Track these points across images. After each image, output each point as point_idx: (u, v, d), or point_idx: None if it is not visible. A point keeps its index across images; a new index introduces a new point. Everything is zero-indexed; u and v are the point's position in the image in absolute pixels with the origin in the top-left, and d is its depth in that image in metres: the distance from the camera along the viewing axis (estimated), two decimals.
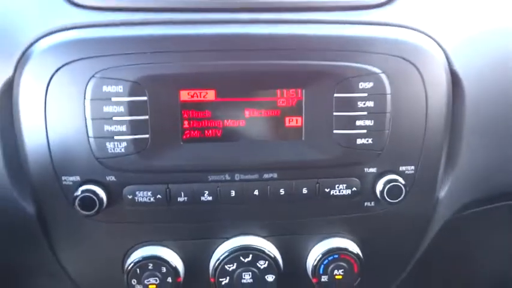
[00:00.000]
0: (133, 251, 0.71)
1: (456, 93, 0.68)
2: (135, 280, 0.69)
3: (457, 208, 0.75)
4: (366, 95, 0.65)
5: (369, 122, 0.66)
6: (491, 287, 0.96)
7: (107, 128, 0.63)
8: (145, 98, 0.63)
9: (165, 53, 0.63)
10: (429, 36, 0.68)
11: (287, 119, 0.67)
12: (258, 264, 0.70)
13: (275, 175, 0.68)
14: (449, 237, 0.77)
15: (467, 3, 0.72)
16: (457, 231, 0.79)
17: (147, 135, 0.64)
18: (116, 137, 0.63)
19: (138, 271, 0.69)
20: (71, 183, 0.65)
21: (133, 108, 0.63)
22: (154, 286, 0.69)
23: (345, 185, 0.69)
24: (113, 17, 0.65)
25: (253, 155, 0.67)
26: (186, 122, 0.66)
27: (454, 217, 0.76)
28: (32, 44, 0.63)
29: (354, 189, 0.69)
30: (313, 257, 0.72)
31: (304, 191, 0.68)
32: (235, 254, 0.70)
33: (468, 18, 0.71)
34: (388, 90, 0.65)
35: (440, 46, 0.67)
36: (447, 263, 0.90)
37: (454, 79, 0.68)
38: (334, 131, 0.66)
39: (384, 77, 0.65)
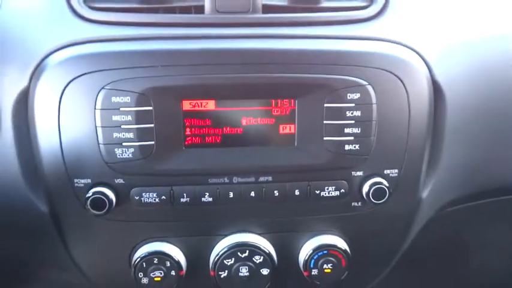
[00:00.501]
0: (140, 247, 0.73)
1: (438, 101, 0.70)
2: (141, 273, 0.71)
3: (439, 207, 0.77)
4: (353, 105, 0.67)
5: (356, 130, 0.68)
6: (477, 279, 0.98)
7: (115, 135, 0.65)
8: (150, 108, 0.65)
9: (170, 66, 0.64)
10: (413, 50, 0.70)
11: (281, 126, 0.69)
12: (254, 259, 0.72)
13: (270, 178, 0.70)
14: (433, 234, 0.79)
15: (448, 17, 0.74)
16: (441, 228, 0.81)
17: (152, 142, 0.66)
18: (124, 144, 0.65)
19: (144, 265, 0.71)
20: (82, 185, 0.67)
21: (139, 117, 0.64)
22: (159, 279, 0.71)
23: (334, 187, 0.71)
24: (121, 32, 0.67)
25: (250, 159, 0.69)
26: (188, 130, 0.68)
27: (436, 215, 0.77)
28: (46, 57, 0.65)
29: (342, 190, 0.71)
30: (304, 253, 0.74)
31: (297, 192, 0.70)
32: (234, 250, 0.72)
33: (449, 30, 0.73)
34: (374, 100, 0.67)
35: (423, 58, 0.69)
36: (432, 259, 0.92)
37: (436, 88, 0.70)
38: (325, 138, 0.68)
39: (370, 88, 0.67)
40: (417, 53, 0.69)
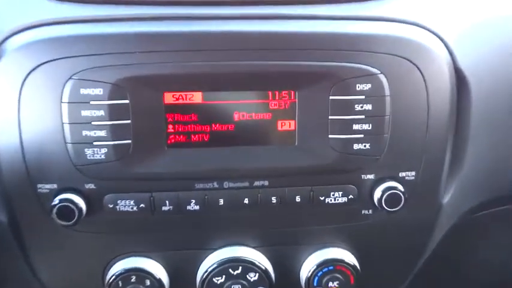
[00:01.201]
0: (115, 263, 0.70)
1: (461, 91, 0.67)
2: None
3: (462, 213, 0.74)
4: (363, 97, 0.64)
5: (366, 126, 0.65)
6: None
7: (85, 133, 0.62)
8: (126, 101, 0.62)
9: (149, 52, 0.61)
10: (430, 31, 0.66)
11: (279, 122, 0.66)
12: (248, 276, 0.70)
13: (266, 182, 0.67)
14: (453, 245, 0.77)
15: None
16: (462, 238, 0.78)
17: (128, 141, 0.63)
18: (95, 143, 0.62)
19: (120, 284, 0.68)
20: (47, 191, 0.64)
21: (113, 112, 0.61)
22: None
23: (340, 193, 0.68)
24: (91, 12, 0.64)
25: (243, 161, 0.66)
26: (170, 126, 0.65)
27: (458, 223, 0.75)
28: (3, 41, 0.61)
29: (351, 196, 0.68)
30: (306, 269, 0.72)
31: (298, 199, 0.67)
32: (224, 266, 0.69)
33: (469, 9, 0.69)
34: (387, 91, 0.64)
35: (444, 42, 0.66)
36: (451, 272, 0.88)
37: (459, 76, 0.66)
38: (330, 136, 0.65)
39: (382, 77, 0.64)
40: (437, 35, 0.66)
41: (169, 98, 0.64)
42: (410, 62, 0.64)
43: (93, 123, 0.62)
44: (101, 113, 0.61)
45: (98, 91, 0.61)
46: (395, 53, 0.64)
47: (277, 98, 0.66)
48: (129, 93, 0.62)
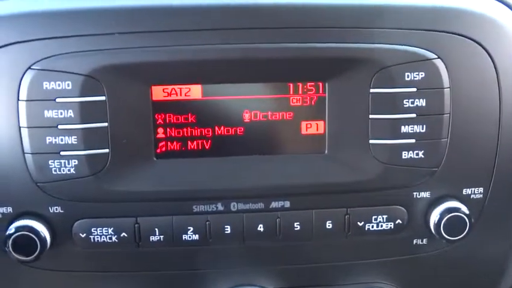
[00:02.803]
0: None
1: None
2: None
3: None
4: (414, 89, 0.60)
5: (419, 128, 0.61)
6: None
7: (50, 139, 0.58)
8: (103, 98, 0.58)
9: (131, 34, 0.58)
10: (503, 2, 0.63)
11: (304, 124, 0.62)
12: None
13: (287, 203, 0.63)
14: None
15: None
16: None
17: (106, 150, 0.59)
18: (62, 153, 0.58)
19: None
20: (0, 216, 0.61)
21: (86, 113, 0.58)
22: None
23: (385, 216, 0.64)
24: None
25: (256, 175, 0.62)
26: (160, 130, 0.61)
27: None
28: None
29: (398, 221, 0.64)
30: None
31: (329, 225, 0.63)
32: None
33: None
34: (446, 82, 0.60)
35: None
36: None
37: None
38: (371, 141, 0.61)
39: (439, 63, 0.60)
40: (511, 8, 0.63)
41: (158, 93, 0.60)
42: (476, 42, 0.61)
43: (59, 127, 0.58)
44: (70, 113, 0.58)
45: (66, 85, 0.57)
46: (456, 31, 0.60)
47: (300, 92, 0.62)
48: (106, 88, 0.58)
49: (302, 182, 0.63)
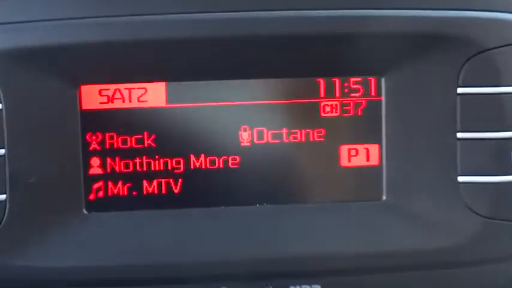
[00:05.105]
0: None
1: None
2: None
3: None
4: None
5: None
6: None
7: None
8: None
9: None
10: None
11: (344, 149, 0.47)
12: None
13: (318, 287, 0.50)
14: None
15: None
16: None
17: (2, 196, 0.46)
18: None
19: None
20: None
21: None
22: None
23: None
24: None
25: (262, 241, 0.47)
26: (95, 162, 0.46)
27: None
28: None
29: None
30: None
31: None
32: None
33: None
34: None
35: None
36: None
37: None
38: (460, 179, 0.46)
39: None
40: None
41: (91, 97, 0.46)
42: None
43: None
44: None
45: None
46: None
47: (338, 95, 0.46)
48: (2, 90, 0.46)
49: (343, 251, 0.47)
